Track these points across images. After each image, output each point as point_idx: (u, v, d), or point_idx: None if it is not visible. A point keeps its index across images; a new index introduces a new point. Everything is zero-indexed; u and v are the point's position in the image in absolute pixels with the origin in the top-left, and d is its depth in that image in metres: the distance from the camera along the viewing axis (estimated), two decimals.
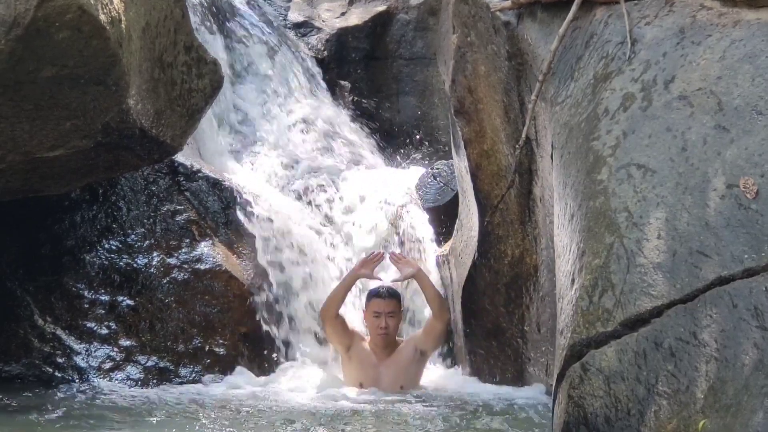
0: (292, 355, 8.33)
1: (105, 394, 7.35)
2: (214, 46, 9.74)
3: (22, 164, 6.63)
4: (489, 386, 7.66)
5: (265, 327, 8.28)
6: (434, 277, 8.72)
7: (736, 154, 5.14)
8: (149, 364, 7.89)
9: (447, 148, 9.13)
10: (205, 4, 10.15)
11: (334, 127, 10.41)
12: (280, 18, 11.10)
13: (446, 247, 8.65)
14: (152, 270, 8.07)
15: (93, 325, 7.90)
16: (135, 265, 8.07)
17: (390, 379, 7.58)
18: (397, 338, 7.84)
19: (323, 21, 11.13)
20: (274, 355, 8.27)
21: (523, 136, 6.86)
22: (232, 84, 10.01)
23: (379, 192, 9.19)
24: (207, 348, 8.02)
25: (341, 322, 7.74)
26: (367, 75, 11.06)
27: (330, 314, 7.71)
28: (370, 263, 7.83)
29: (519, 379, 7.58)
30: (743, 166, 5.09)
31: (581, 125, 5.74)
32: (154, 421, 6.34)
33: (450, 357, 8.37)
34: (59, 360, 7.77)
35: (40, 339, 7.80)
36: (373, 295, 7.81)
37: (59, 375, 7.73)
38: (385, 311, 7.67)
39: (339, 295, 7.77)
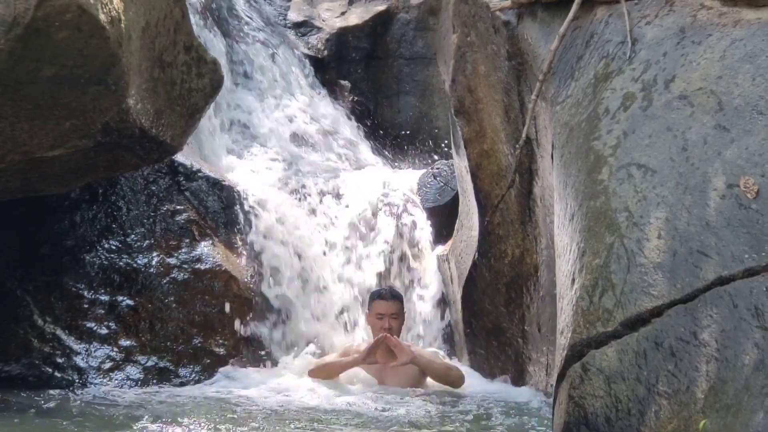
0: (292, 354, 8.32)
1: (105, 395, 7.35)
2: (214, 46, 9.74)
3: (21, 164, 6.63)
4: (489, 386, 7.66)
5: (264, 327, 8.27)
6: (435, 277, 8.73)
7: (736, 153, 5.14)
8: (149, 364, 7.87)
9: (447, 148, 9.12)
10: (205, 4, 10.15)
11: (334, 126, 10.41)
12: (280, 17, 11.10)
13: (446, 247, 8.65)
14: (152, 270, 8.06)
15: (93, 325, 7.89)
16: (135, 265, 8.06)
17: (394, 383, 7.54)
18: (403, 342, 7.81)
19: (323, 20, 11.13)
20: (274, 355, 8.26)
21: (524, 135, 6.85)
22: (232, 84, 10.00)
23: (379, 192, 9.18)
24: (207, 348, 8.01)
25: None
26: (368, 75, 11.06)
27: (318, 378, 7.66)
28: (373, 354, 7.60)
29: (520, 379, 7.58)
30: (743, 166, 5.08)
31: (582, 125, 5.73)
32: (154, 422, 6.33)
33: (451, 358, 8.37)
34: (59, 360, 7.76)
35: (40, 339, 7.79)
36: (377, 296, 7.80)
37: (59, 375, 7.71)
38: (388, 313, 7.66)
39: (333, 372, 7.63)
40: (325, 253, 8.76)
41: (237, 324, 8.12)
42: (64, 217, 8.09)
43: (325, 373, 7.63)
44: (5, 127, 6.26)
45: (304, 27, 11.07)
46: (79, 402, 7.07)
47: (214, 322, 8.08)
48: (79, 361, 7.79)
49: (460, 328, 8.13)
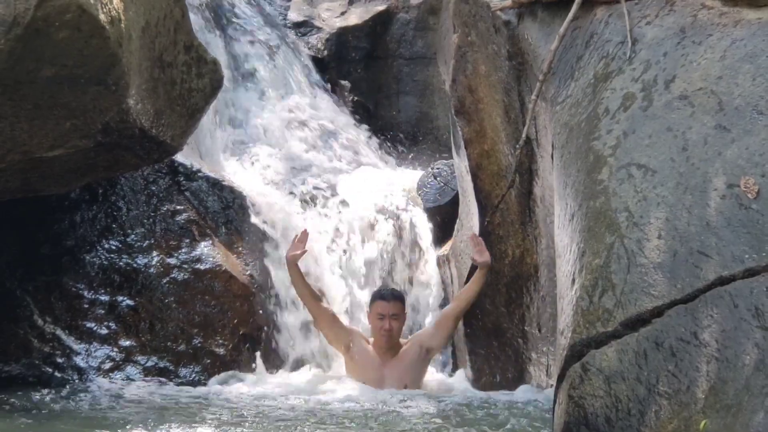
0: (293, 354, 8.32)
1: (105, 395, 7.34)
2: (214, 46, 9.74)
3: (21, 164, 6.63)
4: (489, 387, 7.65)
5: (265, 327, 8.27)
6: (435, 277, 8.72)
7: (736, 153, 5.14)
8: (149, 364, 7.88)
9: (447, 148, 9.12)
10: (205, 4, 10.15)
11: (334, 126, 10.41)
12: (280, 17, 11.10)
13: (446, 247, 8.65)
14: (152, 270, 8.06)
15: (93, 325, 7.90)
16: (135, 265, 8.06)
17: (394, 380, 7.53)
18: (400, 339, 7.80)
19: (323, 20, 11.13)
20: (274, 355, 8.25)
21: (524, 135, 6.85)
22: (232, 84, 10.00)
23: (379, 192, 9.18)
24: (207, 348, 8.01)
25: (326, 314, 7.72)
26: (367, 74, 11.05)
27: (310, 305, 7.70)
28: (296, 246, 7.75)
29: (520, 379, 7.57)
30: (744, 166, 5.08)
31: (582, 125, 5.73)
32: (154, 422, 6.33)
33: (451, 359, 8.37)
34: (59, 360, 7.77)
35: (40, 339, 7.79)
36: (378, 297, 7.76)
37: (59, 375, 7.72)
38: (389, 313, 7.62)
39: (298, 285, 7.75)
40: (325, 253, 8.75)
41: (236, 324, 8.11)
42: (64, 217, 8.09)
43: (301, 291, 7.77)
44: (5, 127, 6.26)
45: (304, 27, 11.07)
46: (78, 402, 7.07)
47: (214, 323, 8.08)
48: (79, 361, 7.79)
49: (460, 328, 8.12)
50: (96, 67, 6.13)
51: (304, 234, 7.85)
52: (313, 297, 7.77)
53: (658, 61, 5.63)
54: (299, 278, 7.77)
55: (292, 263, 7.73)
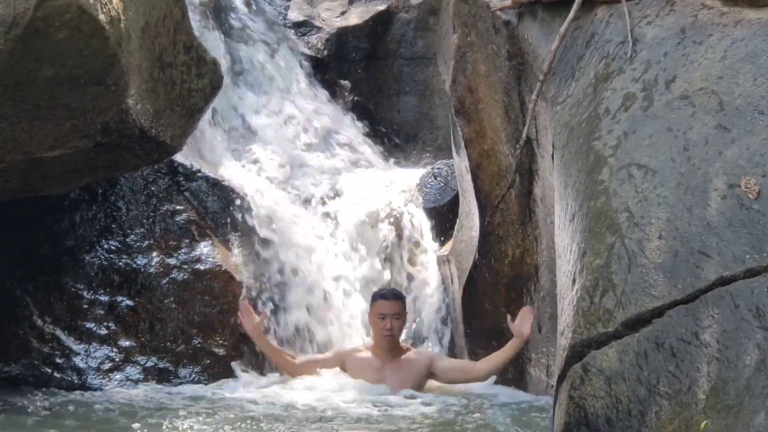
0: (292, 355, 8.32)
1: (104, 395, 7.35)
2: (214, 46, 9.74)
3: (21, 164, 6.63)
4: (489, 387, 7.65)
5: (264, 327, 8.26)
6: (435, 277, 8.72)
7: (737, 154, 5.14)
8: (149, 364, 7.88)
9: (447, 148, 9.12)
10: (205, 4, 10.15)
11: (334, 126, 10.41)
12: (280, 17, 11.10)
13: (446, 247, 8.65)
14: (152, 270, 8.06)
15: (92, 325, 7.89)
16: (134, 266, 8.06)
17: (396, 383, 7.46)
18: (402, 344, 7.77)
19: (323, 20, 11.13)
20: None
21: (524, 135, 6.85)
22: (232, 84, 10.00)
23: (379, 192, 9.18)
24: (207, 348, 8.01)
25: (309, 364, 7.68)
26: (368, 75, 11.05)
27: (292, 371, 7.67)
28: (248, 320, 7.64)
29: (520, 379, 7.57)
30: (745, 166, 5.09)
31: (582, 125, 5.73)
32: (154, 422, 6.33)
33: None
34: (58, 360, 7.76)
35: (40, 339, 7.79)
36: (379, 296, 7.71)
37: (58, 375, 7.72)
38: (390, 313, 7.56)
39: (275, 358, 7.70)
40: (325, 254, 8.75)
41: (236, 324, 8.11)
42: (64, 217, 8.09)
43: (282, 365, 7.69)
44: (5, 127, 6.26)
45: (304, 27, 11.07)
46: (78, 402, 7.07)
47: (213, 323, 8.08)
48: (78, 361, 7.79)
49: (460, 328, 8.13)
50: (96, 68, 6.13)
51: (246, 306, 7.72)
52: (287, 362, 7.67)
53: (658, 61, 5.63)
54: (270, 349, 7.68)
55: (257, 336, 7.63)
